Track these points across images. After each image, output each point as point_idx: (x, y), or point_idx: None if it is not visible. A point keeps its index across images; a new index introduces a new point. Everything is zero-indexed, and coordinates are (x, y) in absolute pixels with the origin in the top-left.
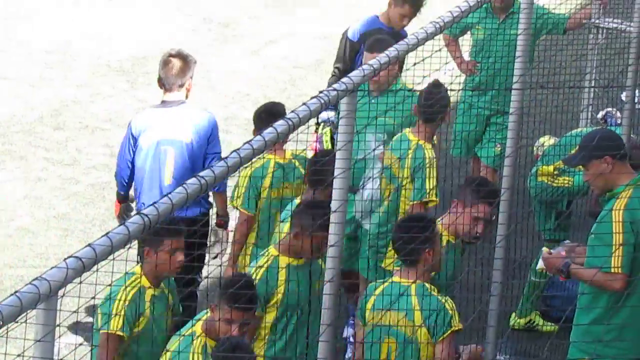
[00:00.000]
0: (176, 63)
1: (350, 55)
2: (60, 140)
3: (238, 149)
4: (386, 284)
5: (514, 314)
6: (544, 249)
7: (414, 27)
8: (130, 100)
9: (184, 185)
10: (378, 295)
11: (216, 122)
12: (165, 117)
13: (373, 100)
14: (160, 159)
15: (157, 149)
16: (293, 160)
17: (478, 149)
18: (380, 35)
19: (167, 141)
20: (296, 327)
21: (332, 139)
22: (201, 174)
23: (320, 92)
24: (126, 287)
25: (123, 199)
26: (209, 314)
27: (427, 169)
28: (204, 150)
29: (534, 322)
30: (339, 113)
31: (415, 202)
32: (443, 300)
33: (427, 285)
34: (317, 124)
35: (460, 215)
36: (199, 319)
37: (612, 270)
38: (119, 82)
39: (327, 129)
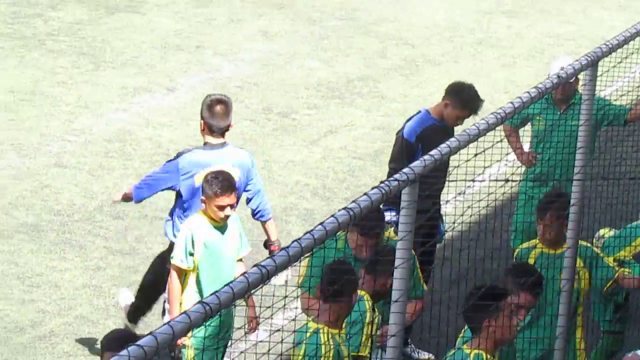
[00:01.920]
0: (221, 108)
1: (407, 155)
2: (119, 229)
3: (299, 239)
4: (456, 350)
5: None
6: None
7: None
8: None
9: (245, 274)
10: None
11: (253, 159)
12: (214, 157)
13: None
14: None
15: None
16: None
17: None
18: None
19: None
20: None
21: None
22: (263, 263)
23: (382, 182)
24: None
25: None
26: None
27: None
28: (245, 184)
29: None
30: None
31: None
32: None
33: (484, 355)
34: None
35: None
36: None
37: None
38: None
39: (390, 229)
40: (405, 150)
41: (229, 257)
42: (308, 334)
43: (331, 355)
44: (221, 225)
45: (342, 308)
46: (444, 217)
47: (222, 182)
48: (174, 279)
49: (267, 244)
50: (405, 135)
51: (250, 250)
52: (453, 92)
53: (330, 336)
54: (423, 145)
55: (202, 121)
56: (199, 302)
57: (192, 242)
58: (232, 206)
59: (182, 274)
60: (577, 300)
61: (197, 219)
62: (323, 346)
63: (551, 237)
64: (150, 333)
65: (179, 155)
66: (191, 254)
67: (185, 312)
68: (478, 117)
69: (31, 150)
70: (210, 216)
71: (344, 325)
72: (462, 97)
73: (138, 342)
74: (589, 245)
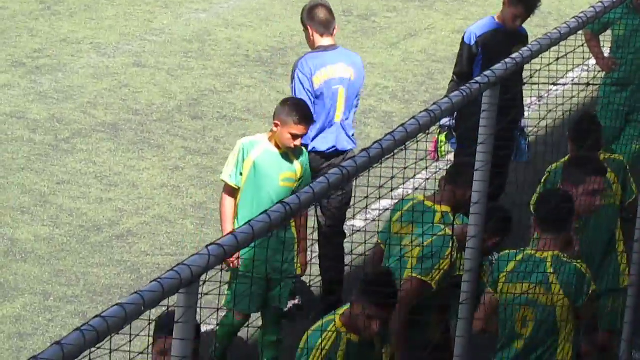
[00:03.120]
0: (324, 10)
1: (467, 59)
2: (198, 129)
3: (380, 140)
4: (519, 256)
5: None
6: None
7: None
8: (268, 90)
9: (326, 175)
10: (515, 265)
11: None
12: (331, 59)
13: None
14: (332, 98)
15: (329, 89)
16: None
17: (616, 146)
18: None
19: (337, 80)
20: None
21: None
22: (344, 164)
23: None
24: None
25: None
26: (348, 307)
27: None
28: (358, 83)
29: None
30: (455, 118)
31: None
32: (578, 265)
33: (561, 254)
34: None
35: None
36: (340, 312)
37: None
38: (258, 72)
39: (444, 134)
40: (465, 53)
41: (282, 186)
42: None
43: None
44: (283, 152)
45: (459, 193)
46: (527, 135)
47: (304, 112)
48: (225, 196)
49: None
50: (464, 39)
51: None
52: None
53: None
54: (483, 49)
55: (309, 30)
56: (279, 202)
57: (244, 159)
58: (302, 137)
59: (235, 192)
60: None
61: (258, 138)
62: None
63: None
64: (231, 232)
65: (295, 66)
66: (241, 173)
67: (265, 212)
68: (559, 21)
69: (110, 50)
70: (275, 140)
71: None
72: None
73: (218, 241)
74: (620, 158)
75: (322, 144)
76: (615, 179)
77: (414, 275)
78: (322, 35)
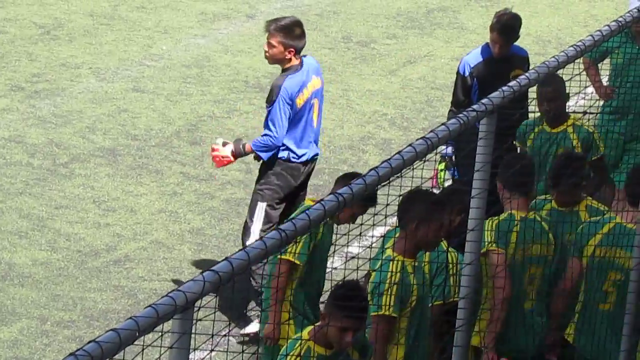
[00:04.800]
0: (301, 30)
1: (462, 89)
2: (196, 155)
3: (376, 167)
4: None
5: None
6: None
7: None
8: None
9: (322, 201)
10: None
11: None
12: (306, 76)
13: None
14: (311, 110)
15: (309, 103)
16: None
17: (615, 174)
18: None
19: (313, 93)
20: None
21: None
22: (340, 191)
23: (459, 112)
24: None
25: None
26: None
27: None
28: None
29: None
30: (457, 147)
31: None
32: None
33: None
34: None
35: None
36: (307, 329)
37: None
38: (256, 98)
39: (443, 163)
40: (460, 83)
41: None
42: (380, 262)
43: (395, 282)
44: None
45: (415, 238)
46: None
47: None
48: (283, 273)
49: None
50: (459, 70)
51: None
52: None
53: (400, 265)
54: (477, 79)
55: (290, 50)
56: (275, 229)
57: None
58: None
59: (292, 269)
60: None
61: None
62: (389, 273)
63: (565, 199)
64: (226, 259)
65: (278, 91)
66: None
67: (261, 239)
68: (558, 49)
69: (109, 75)
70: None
71: (425, 263)
72: (494, 19)
73: (213, 268)
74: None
75: (305, 154)
76: None
77: (373, 314)
78: (296, 56)
